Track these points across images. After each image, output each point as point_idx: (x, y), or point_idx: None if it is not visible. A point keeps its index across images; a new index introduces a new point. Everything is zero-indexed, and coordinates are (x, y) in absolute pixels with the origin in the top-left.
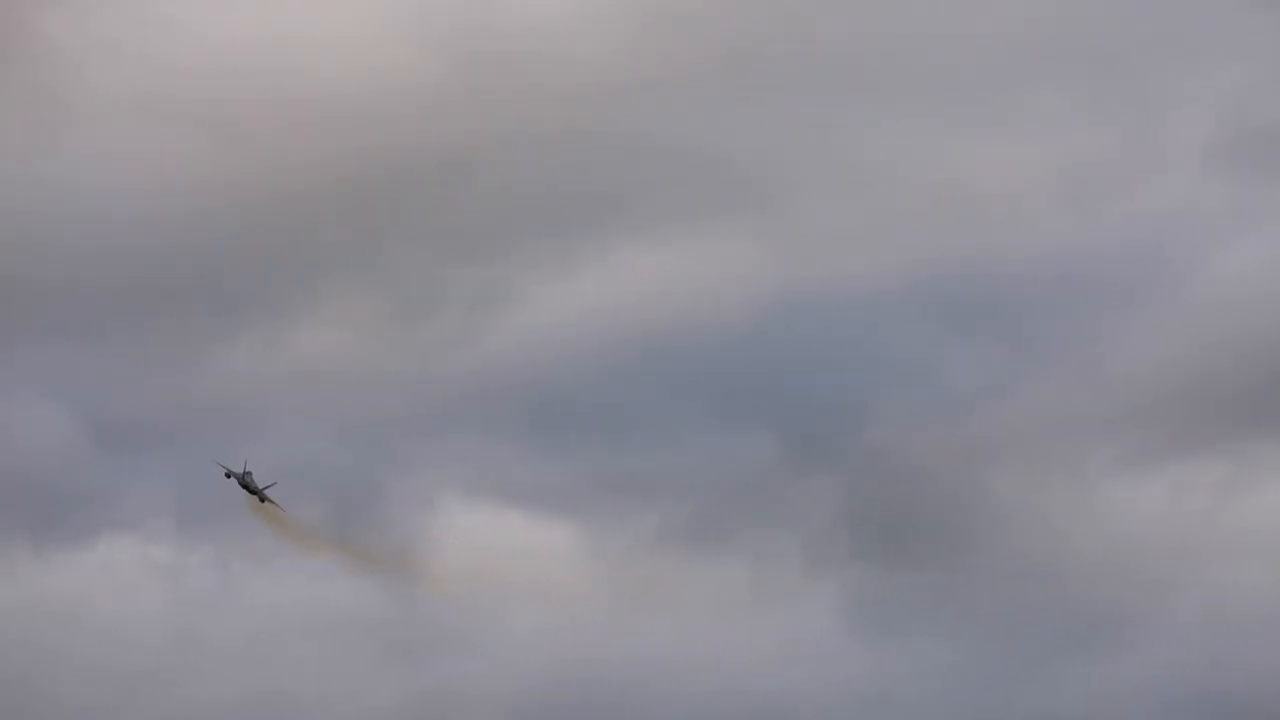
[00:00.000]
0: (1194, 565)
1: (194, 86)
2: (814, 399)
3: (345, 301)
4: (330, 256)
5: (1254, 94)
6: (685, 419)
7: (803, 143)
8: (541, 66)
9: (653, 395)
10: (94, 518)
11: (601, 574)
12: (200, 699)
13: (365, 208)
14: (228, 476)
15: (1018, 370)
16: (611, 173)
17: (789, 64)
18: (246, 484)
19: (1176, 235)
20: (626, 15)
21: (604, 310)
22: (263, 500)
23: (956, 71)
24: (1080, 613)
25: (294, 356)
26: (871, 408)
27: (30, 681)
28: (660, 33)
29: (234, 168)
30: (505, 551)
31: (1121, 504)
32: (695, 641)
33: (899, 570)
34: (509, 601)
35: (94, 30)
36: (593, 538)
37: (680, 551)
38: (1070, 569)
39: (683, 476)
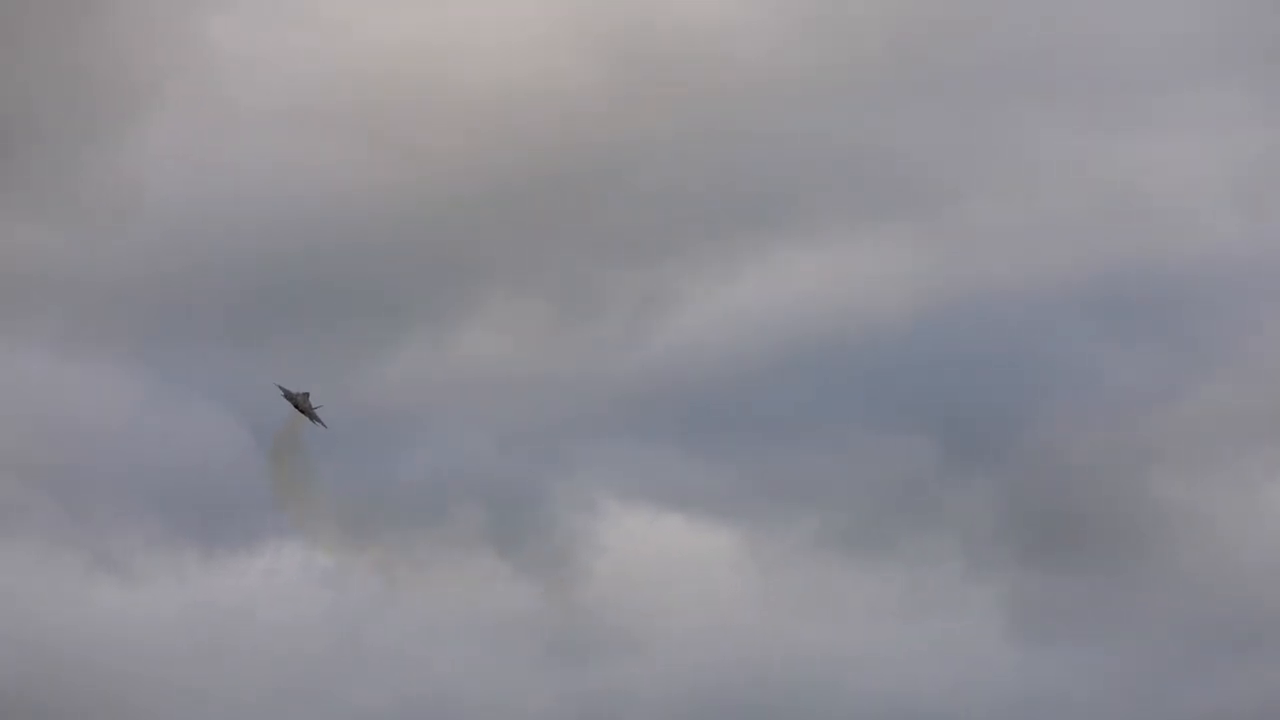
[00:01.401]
0: None
1: (355, 93)
2: (976, 402)
3: (506, 306)
4: (491, 261)
5: None
6: (846, 422)
7: (967, 143)
8: (702, 66)
9: (814, 398)
10: (260, 523)
11: (761, 578)
12: (362, 704)
13: (525, 211)
14: (286, 397)
15: (1182, 372)
16: (774, 173)
17: (954, 62)
18: (302, 407)
19: None
20: (788, 14)
21: (766, 312)
22: (314, 420)
23: (1126, 70)
24: (1243, 616)
25: (455, 362)
26: (1033, 411)
27: (196, 685)
28: (822, 31)
29: (395, 173)
30: (665, 555)
31: None
32: (854, 646)
33: (1060, 575)
34: (669, 605)
35: (258, 38)
36: (753, 542)
37: (840, 556)
38: (1233, 572)
39: (843, 481)
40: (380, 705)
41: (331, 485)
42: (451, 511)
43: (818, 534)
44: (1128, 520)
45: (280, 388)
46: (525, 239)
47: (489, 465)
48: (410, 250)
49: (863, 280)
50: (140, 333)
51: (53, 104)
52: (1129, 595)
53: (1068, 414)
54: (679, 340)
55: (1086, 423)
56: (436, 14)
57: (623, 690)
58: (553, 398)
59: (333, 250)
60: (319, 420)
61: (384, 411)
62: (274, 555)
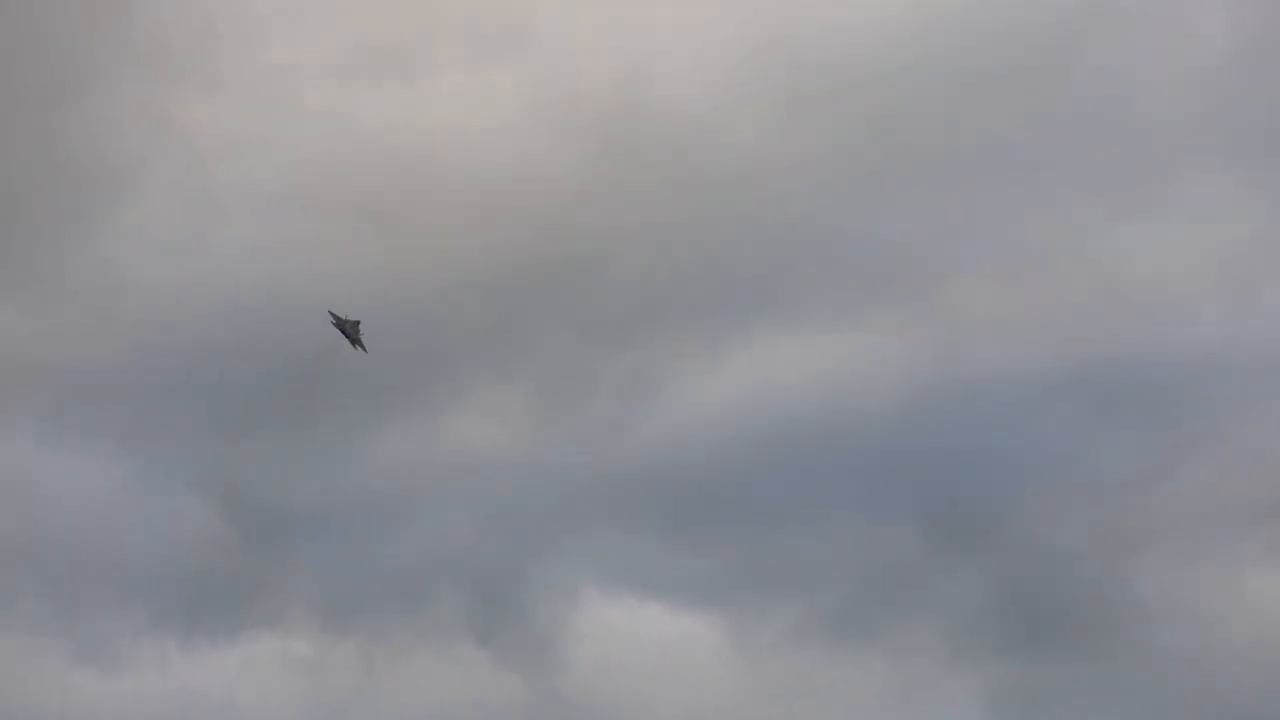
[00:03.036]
0: None
1: (339, 177)
2: (962, 488)
3: (492, 392)
4: (477, 347)
5: None
6: (831, 509)
7: (953, 229)
8: (686, 153)
9: (799, 485)
10: (241, 613)
11: (743, 667)
12: None
13: (513, 296)
14: (335, 324)
15: (1169, 458)
16: (758, 260)
17: (940, 148)
18: (349, 333)
19: None
20: (776, 101)
21: (751, 398)
22: (355, 345)
23: (1115, 158)
24: (1229, 705)
25: (440, 448)
26: (1020, 497)
27: None
28: (809, 118)
29: (381, 258)
30: (647, 644)
31: (1272, 594)
32: None
33: (1044, 662)
34: (650, 694)
35: (241, 122)
36: (735, 630)
37: (823, 645)
38: (1217, 660)
39: (827, 569)
40: None
41: (314, 571)
42: (433, 599)
43: (800, 622)
44: (1112, 608)
45: (331, 313)
46: (511, 325)
47: (471, 552)
48: (396, 335)
49: (848, 367)
50: (123, 420)
51: (34, 189)
52: (1113, 684)
53: (1053, 501)
54: (663, 427)
55: (1072, 510)
56: (421, 100)
57: None
58: (536, 484)
59: (316, 335)
60: (362, 345)
61: (368, 498)
62: (253, 644)
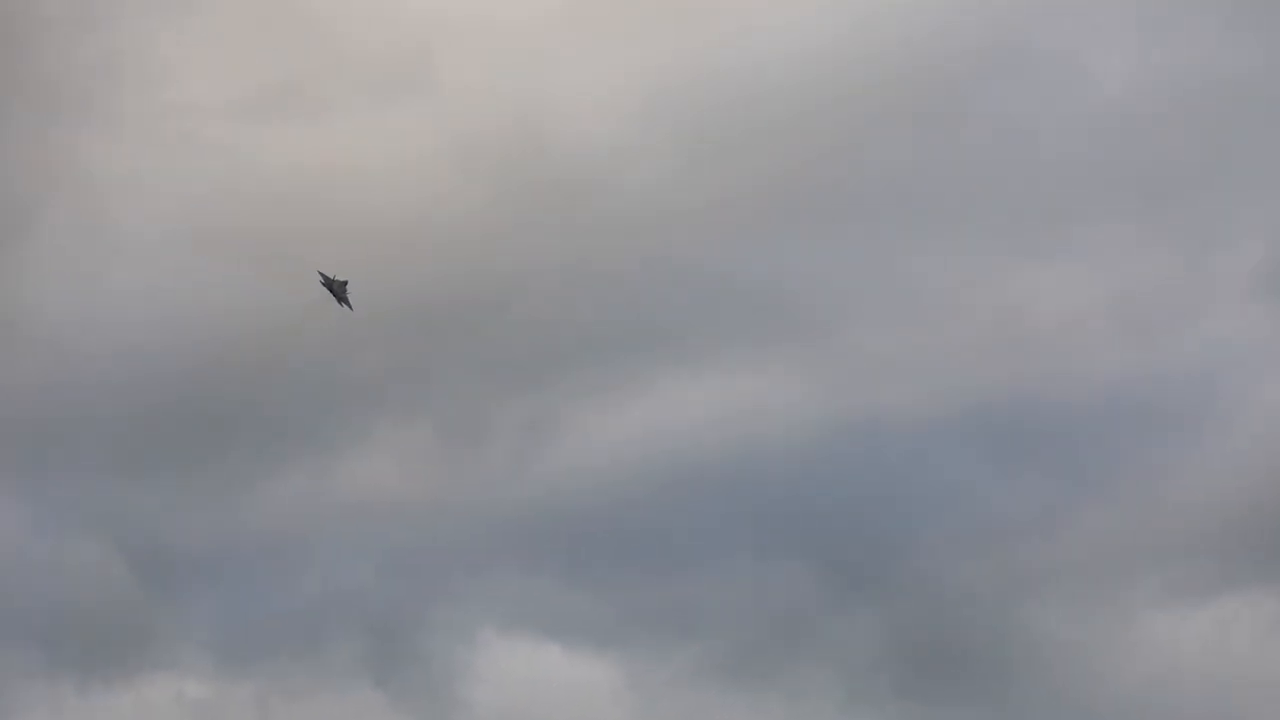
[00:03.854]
0: (1239, 703)
1: (238, 215)
2: (860, 530)
3: (393, 432)
4: (376, 387)
5: None
6: (729, 551)
7: (852, 270)
8: (591, 194)
9: (697, 527)
10: (137, 655)
11: (640, 709)
12: None
13: (412, 337)
14: (324, 283)
15: (1065, 501)
16: (661, 301)
17: (843, 191)
18: (337, 292)
19: (1230, 365)
20: (678, 143)
21: (652, 440)
22: (341, 303)
23: (1014, 200)
24: None
25: (340, 487)
26: (918, 539)
27: None
28: (711, 160)
29: (279, 296)
30: (544, 685)
31: (1167, 638)
32: None
33: (941, 704)
34: None
35: (139, 159)
36: (632, 672)
37: (719, 686)
38: (1114, 703)
39: (725, 610)
40: None
41: (210, 613)
42: (330, 641)
43: (698, 664)
44: (1008, 651)
45: (320, 273)
46: (410, 366)
47: (369, 594)
48: (295, 375)
49: (748, 409)
50: (18, 461)
51: None
52: None
53: (950, 543)
54: (563, 469)
55: (969, 552)
56: (321, 137)
57: None
58: (435, 526)
59: (215, 375)
60: (348, 303)
61: (265, 539)
62: (149, 687)
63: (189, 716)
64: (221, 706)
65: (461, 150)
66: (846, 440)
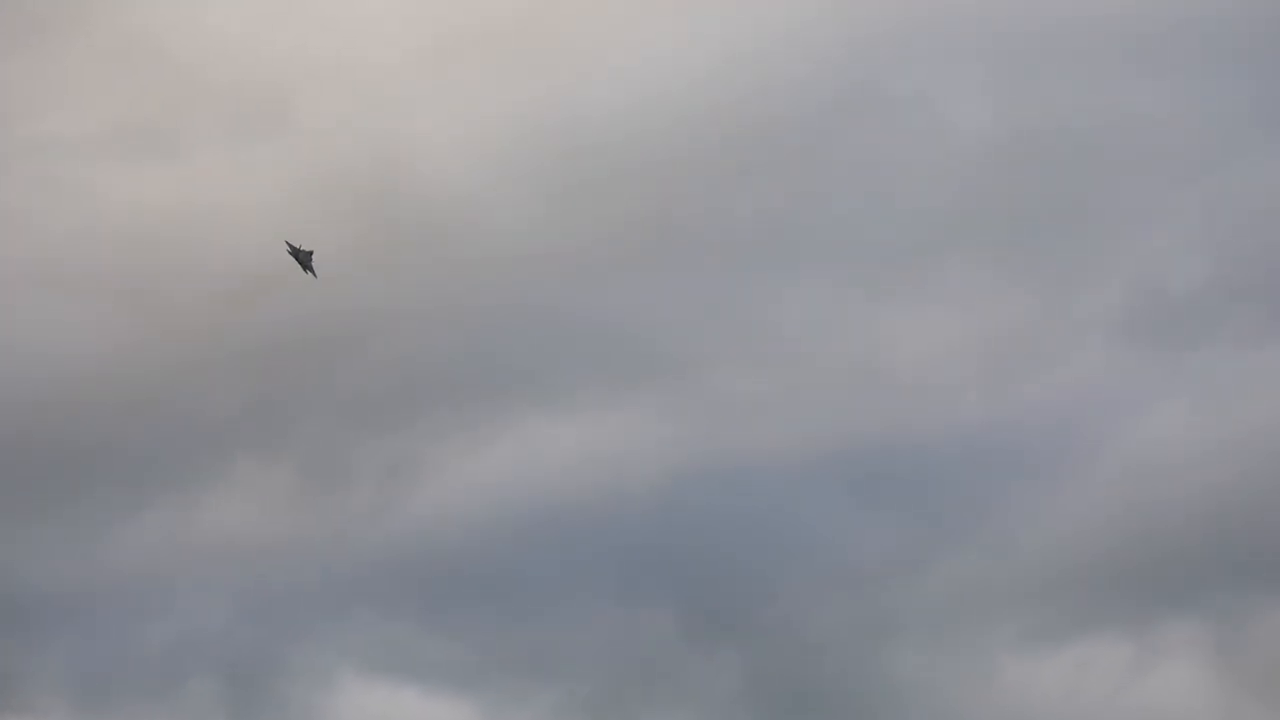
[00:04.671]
0: None
1: (96, 254)
2: (721, 573)
3: (253, 472)
4: (237, 427)
5: (1167, 266)
6: (591, 594)
7: (713, 313)
8: (452, 234)
9: (558, 569)
10: None
11: None
12: None
13: (273, 377)
14: (290, 252)
15: (925, 544)
16: (523, 342)
17: (704, 233)
18: (303, 261)
19: (1088, 408)
20: (539, 184)
21: (514, 482)
22: (306, 270)
23: (874, 244)
24: None
25: (200, 528)
26: (779, 582)
27: None
28: (573, 202)
29: (137, 336)
30: None
31: (1025, 681)
32: None
33: None
34: None
35: None
36: (494, 714)
37: None
38: None
39: (586, 653)
40: None
41: (65, 656)
42: (188, 683)
43: (559, 708)
44: (868, 693)
45: (287, 243)
46: (271, 406)
47: (227, 636)
48: (153, 415)
49: (610, 451)
50: None
51: None
52: None
53: (811, 587)
54: (425, 510)
55: (829, 595)
56: (179, 178)
57: None
58: (294, 567)
59: (73, 415)
60: (312, 271)
61: (122, 580)
62: None
63: None
64: None
65: (320, 190)
66: (708, 483)
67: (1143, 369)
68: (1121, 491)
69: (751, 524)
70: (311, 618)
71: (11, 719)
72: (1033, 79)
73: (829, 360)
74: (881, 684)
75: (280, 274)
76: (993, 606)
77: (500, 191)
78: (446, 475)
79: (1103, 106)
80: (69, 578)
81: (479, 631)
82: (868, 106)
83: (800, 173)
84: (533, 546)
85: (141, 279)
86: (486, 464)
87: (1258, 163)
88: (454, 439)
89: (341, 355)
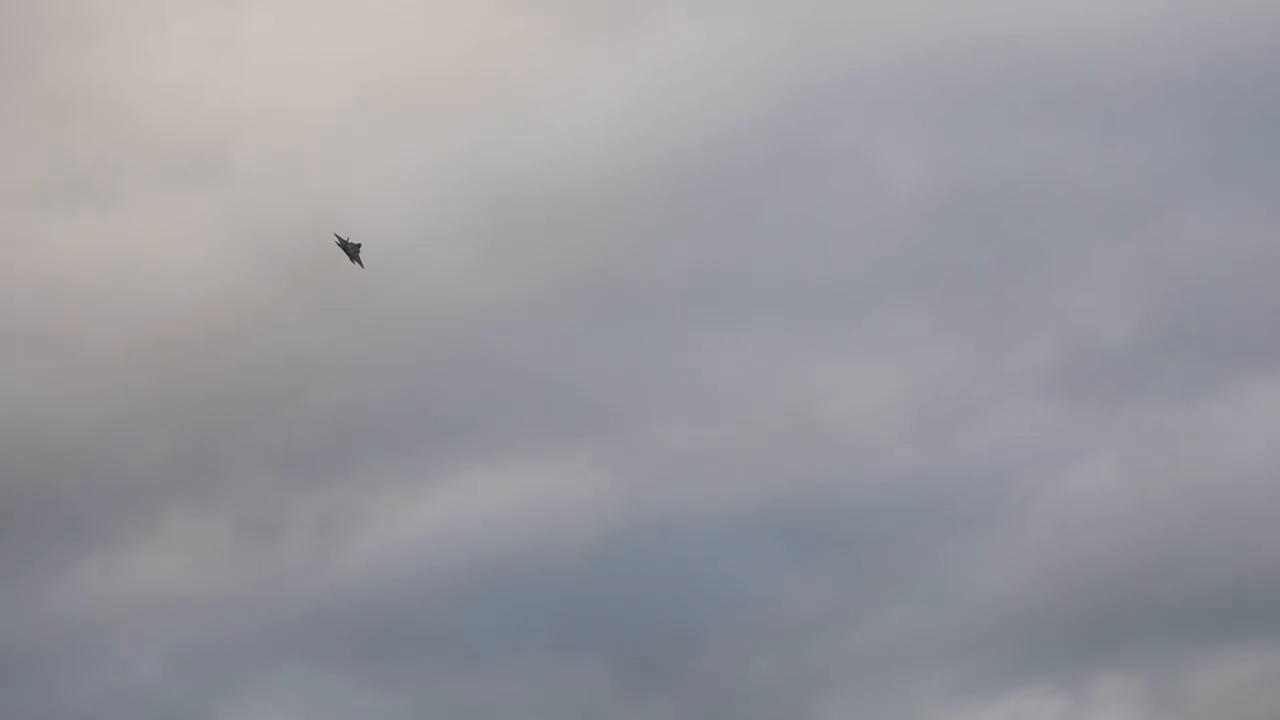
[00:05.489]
0: None
1: (31, 305)
2: (655, 624)
3: (186, 525)
4: (172, 479)
5: (1099, 319)
6: (524, 645)
7: (649, 367)
8: (387, 286)
9: (493, 621)
10: None
11: None
12: None
13: (208, 428)
14: (339, 244)
15: (858, 596)
16: (459, 394)
17: (639, 286)
18: (350, 252)
19: (1020, 461)
20: (475, 236)
21: (448, 534)
22: (354, 260)
23: (805, 295)
24: None
25: (132, 581)
26: (713, 633)
27: None
28: (509, 253)
29: (70, 388)
30: None
31: None
32: None
33: None
34: None
35: None
36: None
37: None
38: None
39: (519, 704)
40: None
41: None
42: None
43: None
44: None
45: (335, 235)
46: (206, 458)
47: (159, 690)
48: (85, 465)
49: (545, 503)
50: None
51: None
52: None
53: (744, 637)
54: (360, 562)
55: (762, 646)
56: (114, 228)
57: None
58: (229, 620)
59: (4, 467)
60: (360, 262)
61: (54, 634)
62: None
63: None
64: None
65: (257, 240)
66: (642, 535)
67: (1074, 422)
68: (1053, 544)
69: (685, 575)
70: (244, 670)
71: None
72: (968, 134)
73: (764, 412)
74: None
75: (216, 324)
76: (925, 659)
77: (435, 242)
78: (380, 527)
79: (1037, 162)
80: (0, 630)
81: (413, 683)
82: (803, 161)
83: (736, 225)
84: (467, 598)
85: (76, 328)
86: (420, 515)
87: (1190, 218)
88: (388, 490)
89: (275, 406)
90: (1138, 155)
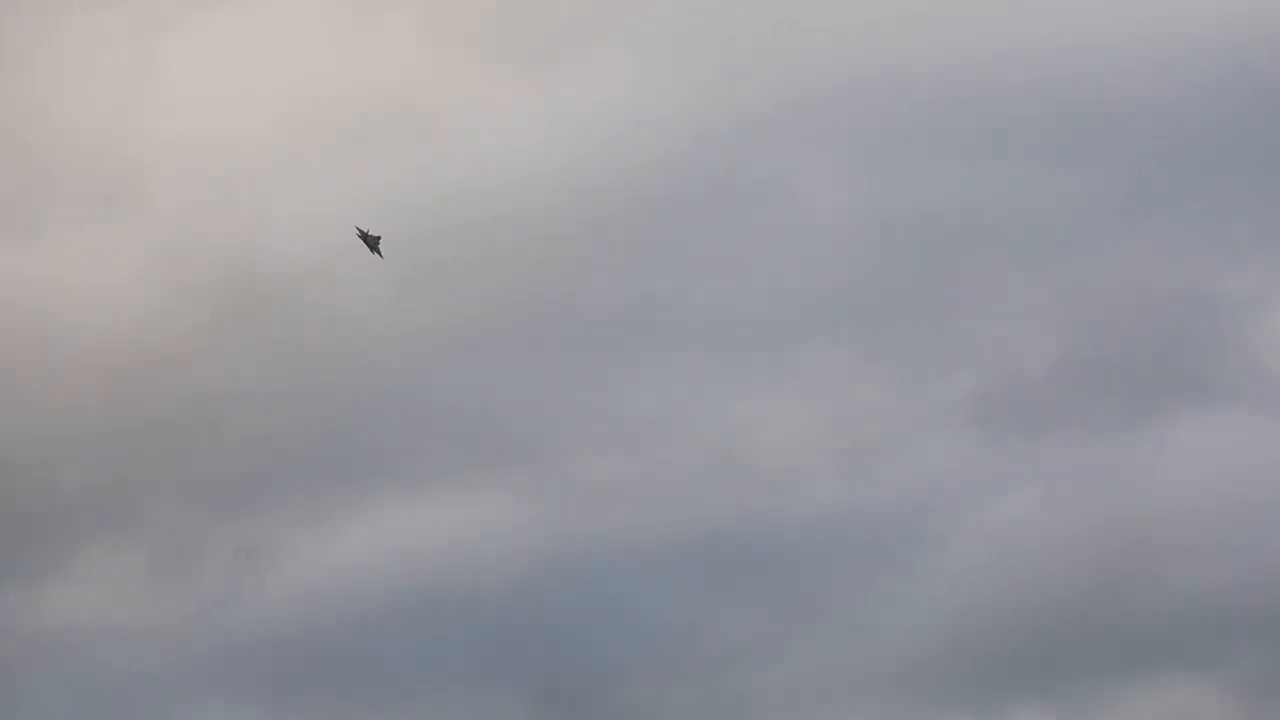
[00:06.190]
0: None
1: None
2: (576, 657)
3: (102, 557)
4: (87, 510)
5: (1020, 352)
6: (445, 679)
7: (568, 397)
8: (308, 316)
9: (413, 655)
10: None
11: None
12: None
13: (122, 460)
14: (360, 235)
15: (778, 630)
16: (378, 426)
17: (560, 317)
18: (371, 244)
19: (941, 494)
20: (390, 269)
21: (367, 566)
22: (374, 251)
23: (725, 327)
24: None
25: (44, 616)
26: (634, 666)
27: None
28: (427, 284)
29: None
30: None
31: None
32: None
33: None
34: None
35: None
36: None
37: None
38: None
39: None
40: None
41: None
42: None
43: None
44: None
45: (357, 227)
46: (123, 489)
47: None
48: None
49: (465, 536)
50: None
51: None
52: None
53: (665, 669)
54: (277, 595)
55: (684, 678)
56: (33, 257)
57: None
58: (144, 654)
59: None
60: (379, 253)
61: None
62: None
63: None
64: None
65: (176, 270)
66: (563, 567)
67: (996, 455)
68: (975, 577)
69: (606, 608)
70: (161, 705)
71: None
72: (890, 167)
73: (687, 445)
74: None
75: (135, 354)
76: (846, 691)
77: (357, 272)
78: (300, 559)
79: (959, 195)
80: None
81: (332, 717)
82: (726, 193)
83: (659, 258)
84: (386, 631)
85: None
86: (341, 548)
87: (1110, 250)
88: (307, 522)
89: (193, 437)
90: (1058, 189)
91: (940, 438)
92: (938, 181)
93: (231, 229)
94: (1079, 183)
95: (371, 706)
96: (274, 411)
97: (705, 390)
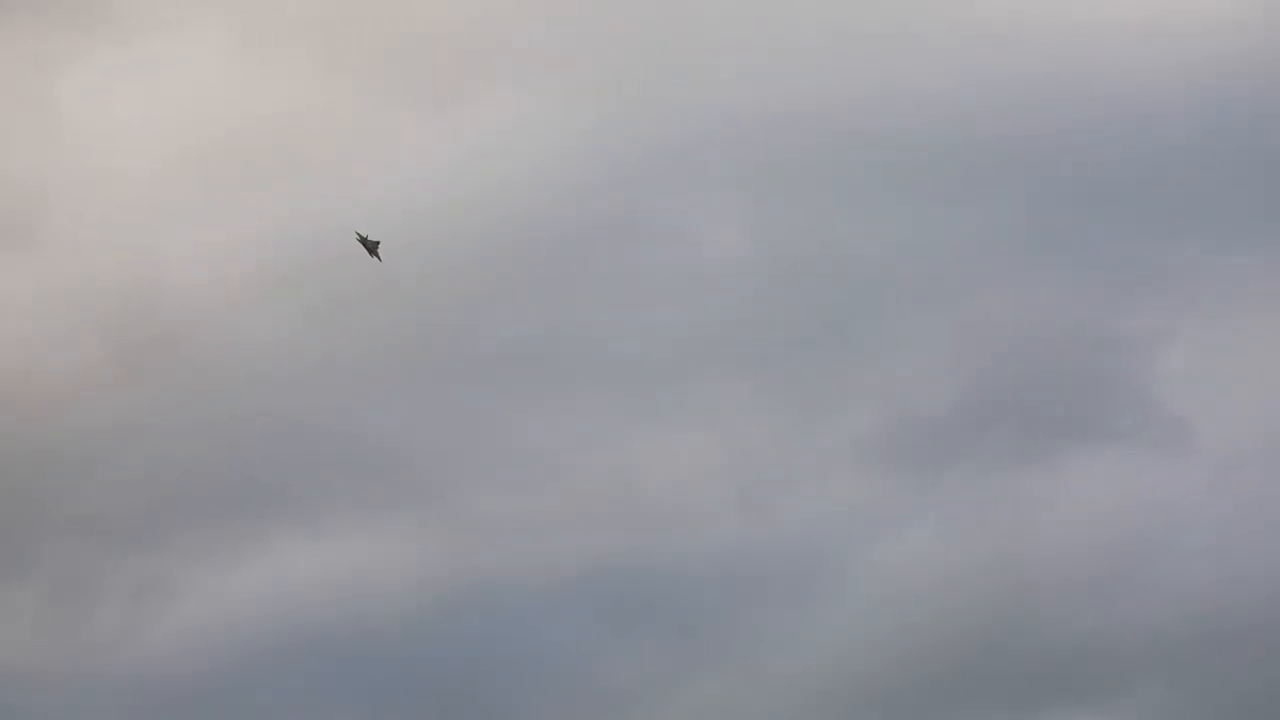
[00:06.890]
0: None
1: None
2: (473, 695)
3: None
4: None
5: (916, 390)
6: (339, 716)
7: (465, 433)
8: (201, 351)
9: (309, 693)
10: None
11: None
12: None
13: (14, 495)
14: (359, 240)
15: (675, 667)
16: (275, 461)
17: (452, 354)
18: (370, 248)
19: (839, 530)
20: (289, 302)
21: (264, 603)
22: (372, 255)
23: (622, 364)
24: None
25: None
26: (530, 704)
27: None
28: (322, 319)
29: None
30: None
31: None
32: None
33: None
34: None
35: None
36: None
37: None
38: None
39: None
40: None
41: None
42: None
43: None
44: None
45: (356, 232)
46: (14, 525)
47: None
48: None
49: (363, 572)
50: None
51: None
52: None
53: (561, 707)
54: (173, 632)
55: (579, 716)
56: None
57: None
58: (38, 692)
59: None
60: (378, 257)
61: None
62: None
63: None
64: None
65: (69, 303)
66: (460, 604)
67: (892, 492)
68: (871, 615)
69: (503, 645)
70: None
71: None
72: (786, 205)
73: (582, 482)
74: None
75: (28, 388)
76: None
77: (252, 306)
78: (195, 596)
79: (854, 233)
80: None
81: None
82: (623, 230)
83: (555, 293)
84: (283, 669)
85: None
86: (236, 584)
87: (1008, 290)
88: (203, 559)
89: (87, 472)
90: (956, 227)
91: (838, 475)
92: (836, 219)
93: (125, 262)
94: (977, 221)
95: None
96: (169, 446)
97: (603, 427)
